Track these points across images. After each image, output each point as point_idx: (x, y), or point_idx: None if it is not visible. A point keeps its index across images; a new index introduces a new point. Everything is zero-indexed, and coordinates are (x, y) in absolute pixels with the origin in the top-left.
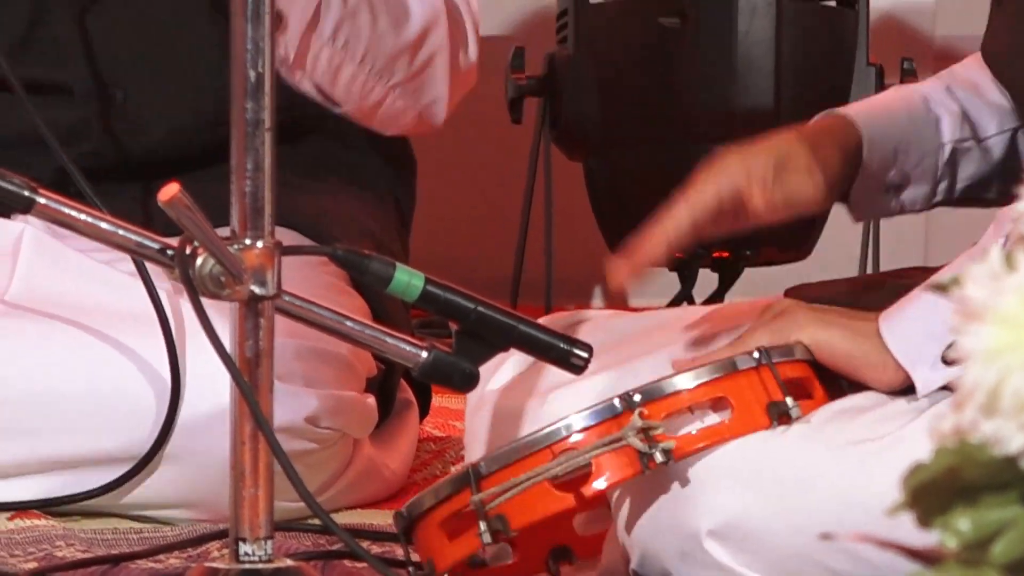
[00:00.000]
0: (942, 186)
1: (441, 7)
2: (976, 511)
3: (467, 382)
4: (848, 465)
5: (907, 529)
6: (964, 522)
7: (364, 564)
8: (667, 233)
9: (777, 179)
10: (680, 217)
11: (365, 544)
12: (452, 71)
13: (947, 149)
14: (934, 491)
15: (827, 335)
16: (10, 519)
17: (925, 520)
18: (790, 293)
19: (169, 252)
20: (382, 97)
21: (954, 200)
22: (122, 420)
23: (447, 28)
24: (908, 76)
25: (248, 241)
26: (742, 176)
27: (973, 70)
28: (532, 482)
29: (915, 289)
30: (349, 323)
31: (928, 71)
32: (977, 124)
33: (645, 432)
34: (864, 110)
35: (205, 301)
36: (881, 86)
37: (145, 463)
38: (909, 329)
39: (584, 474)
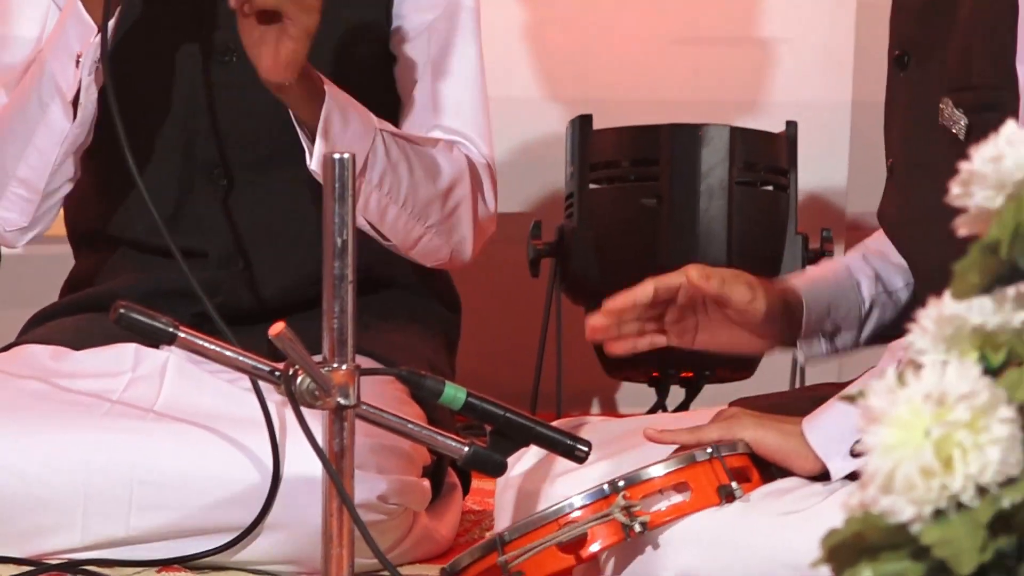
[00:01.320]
0: (865, 330)
1: (465, 166)
2: (877, 564)
3: (498, 470)
4: (777, 531)
5: None
6: (868, 573)
7: None
8: (634, 295)
9: (722, 278)
10: (646, 287)
11: None
12: (475, 218)
13: (867, 303)
14: (845, 549)
15: (764, 434)
16: (157, 572)
17: (838, 571)
18: (740, 402)
19: (277, 373)
20: (421, 235)
21: (874, 340)
22: (238, 498)
23: (470, 183)
24: (826, 242)
25: (336, 365)
26: (699, 274)
27: (881, 241)
28: (543, 546)
29: (830, 399)
30: (411, 426)
31: (842, 239)
32: (888, 281)
33: (627, 509)
34: (804, 280)
35: (304, 409)
36: (806, 250)
37: (251, 530)
38: (825, 430)
39: (581, 540)
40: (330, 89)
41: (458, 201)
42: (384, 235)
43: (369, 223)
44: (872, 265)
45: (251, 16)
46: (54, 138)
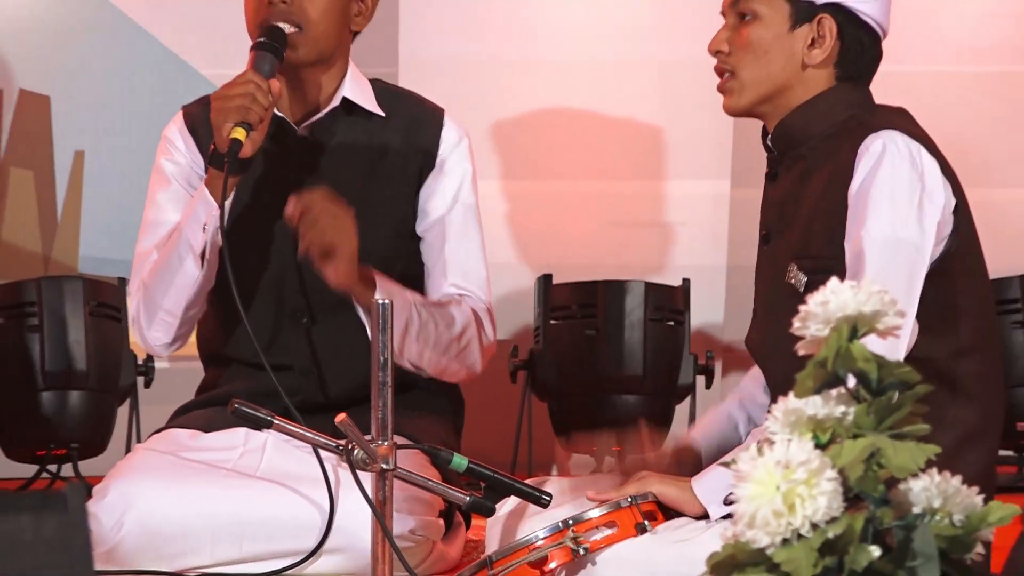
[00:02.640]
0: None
1: (471, 314)
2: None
3: (489, 513)
4: (676, 553)
5: None
6: None
7: None
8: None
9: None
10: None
11: None
12: (481, 347)
13: (743, 437)
14: (722, 566)
15: (666, 488)
16: None
17: None
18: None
19: (340, 447)
20: (446, 364)
21: None
22: (312, 531)
23: (475, 326)
24: (709, 360)
25: (380, 441)
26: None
27: (750, 383)
28: (518, 564)
29: (712, 464)
30: (431, 483)
31: (720, 358)
32: (755, 420)
33: (575, 539)
34: (701, 432)
35: (358, 471)
36: (696, 365)
37: (312, 554)
38: (707, 485)
39: (544, 559)
40: (380, 280)
41: (468, 339)
42: (421, 368)
43: (410, 363)
44: (745, 409)
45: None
46: (188, 281)
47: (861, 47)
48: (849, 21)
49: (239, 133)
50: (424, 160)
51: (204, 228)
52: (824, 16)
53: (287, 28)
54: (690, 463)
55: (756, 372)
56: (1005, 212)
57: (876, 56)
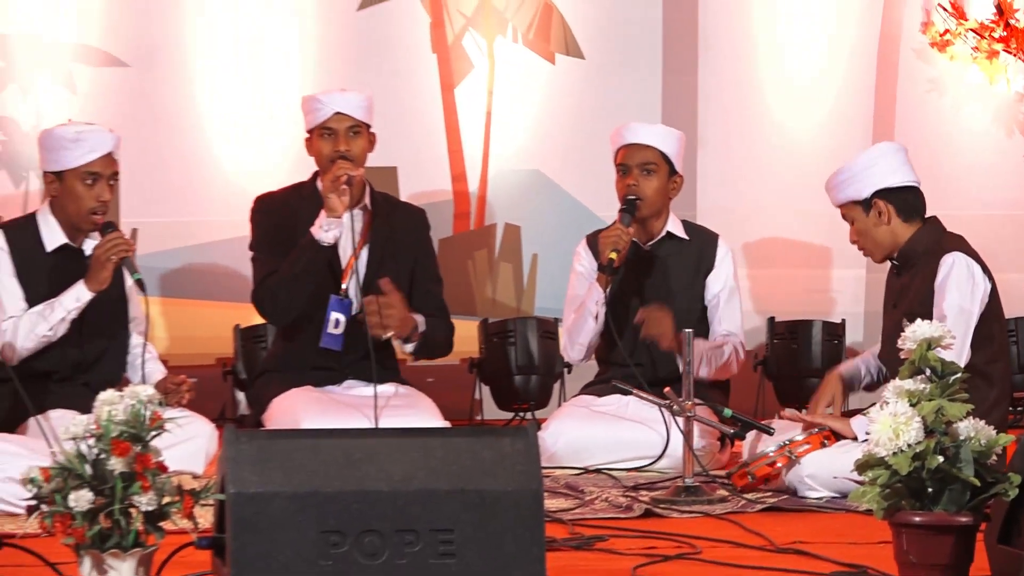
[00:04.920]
0: (866, 382)
1: (732, 349)
2: (873, 470)
3: (743, 438)
4: (841, 458)
5: (857, 476)
6: (869, 474)
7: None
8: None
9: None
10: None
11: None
12: (737, 361)
13: (873, 375)
14: (863, 464)
15: (836, 424)
16: (627, 472)
17: (860, 472)
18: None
19: (667, 404)
20: (720, 373)
21: (870, 388)
22: (651, 447)
23: (734, 354)
24: (847, 354)
25: (687, 401)
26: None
27: (871, 352)
28: (761, 464)
29: (858, 415)
30: (713, 422)
31: (854, 356)
32: (873, 367)
33: (789, 451)
34: (844, 369)
35: (677, 417)
36: (845, 356)
37: (658, 459)
38: (858, 424)
39: (775, 462)
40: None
41: (731, 361)
42: (709, 379)
43: (705, 377)
44: (873, 361)
45: None
46: (590, 328)
47: (906, 200)
48: (891, 192)
49: (612, 255)
50: (708, 262)
51: (596, 303)
52: (875, 200)
53: (638, 200)
54: (842, 383)
55: (872, 350)
56: (1014, 286)
57: (920, 197)
